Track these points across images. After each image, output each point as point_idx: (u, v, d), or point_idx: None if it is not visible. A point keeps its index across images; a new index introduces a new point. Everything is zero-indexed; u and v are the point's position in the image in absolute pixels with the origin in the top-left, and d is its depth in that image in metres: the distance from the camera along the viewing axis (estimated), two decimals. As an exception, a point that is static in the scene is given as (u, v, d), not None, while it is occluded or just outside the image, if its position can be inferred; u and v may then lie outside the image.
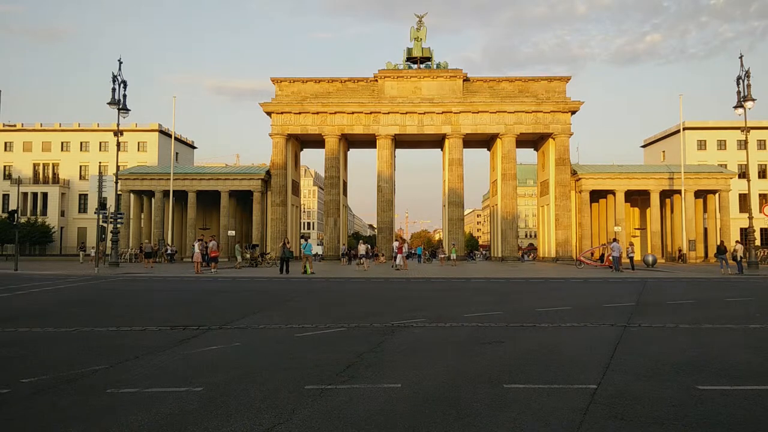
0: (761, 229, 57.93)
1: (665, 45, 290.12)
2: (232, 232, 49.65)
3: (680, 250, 48.71)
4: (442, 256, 43.21)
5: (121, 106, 32.26)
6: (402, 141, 52.33)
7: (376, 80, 48.02)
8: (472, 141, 52.07)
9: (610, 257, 31.68)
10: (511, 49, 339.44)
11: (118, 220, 31.60)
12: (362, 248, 33.29)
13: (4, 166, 67.51)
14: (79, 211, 66.85)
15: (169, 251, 44.27)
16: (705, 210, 52.93)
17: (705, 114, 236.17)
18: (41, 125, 68.20)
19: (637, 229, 55.70)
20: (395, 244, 34.41)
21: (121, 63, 32.37)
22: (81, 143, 67.71)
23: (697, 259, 48.46)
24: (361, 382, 5.89)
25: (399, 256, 31.70)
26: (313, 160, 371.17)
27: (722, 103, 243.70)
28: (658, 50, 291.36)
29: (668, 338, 8.74)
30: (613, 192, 50.05)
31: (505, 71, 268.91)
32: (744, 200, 54.42)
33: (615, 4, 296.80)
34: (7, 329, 9.34)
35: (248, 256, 37.46)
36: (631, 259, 33.20)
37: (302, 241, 34.47)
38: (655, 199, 49.84)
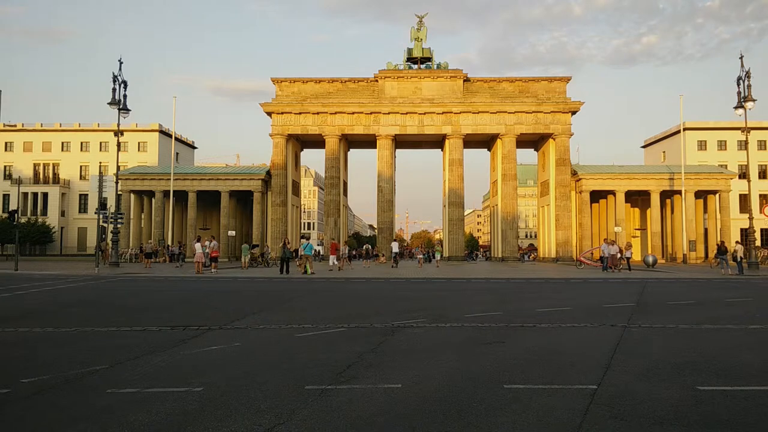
0: (761, 230, 57.93)
1: (662, 46, 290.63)
2: (232, 233, 49.68)
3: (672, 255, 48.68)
4: (420, 256, 40.24)
5: (121, 107, 32.25)
6: (402, 141, 52.34)
7: (377, 80, 48.03)
8: (473, 141, 52.08)
9: (609, 257, 31.61)
10: (509, 51, 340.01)
11: (119, 221, 31.58)
12: (314, 248, 33.45)
13: (5, 166, 67.52)
14: (80, 211, 66.87)
15: (170, 251, 44.26)
16: (705, 210, 52.94)
17: (703, 114, 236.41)
18: (41, 125, 68.22)
19: (638, 229, 55.72)
20: (342, 244, 33.25)
21: (121, 63, 32.36)
22: (81, 143, 67.74)
23: (698, 259, 48.45)
24: (361, 382, 5.89)
25: (332, 257, 31.31)
26: (313, 160, 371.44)
27: (721, 104, 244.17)
28: (654, 51, 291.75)
29: (668, 338, 8.73)
30: (613, 192, 50.05)
31: (503, 72, 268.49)
32: (744, 201, 54.44)
33: (611, 5, 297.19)
34: (7, 329, 9.34)
35: (257, 255, 37.76)
36: (628, 259, 33.15)
37: (302, 241, 34.49)
38: (655, 199, 49.84)
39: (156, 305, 13.85)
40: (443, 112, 47.25)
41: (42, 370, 6.31)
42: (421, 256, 40.61)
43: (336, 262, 31.02)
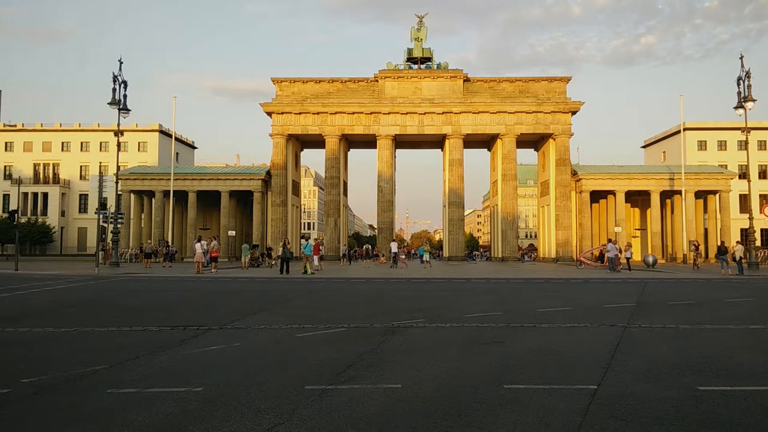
0: (761, 230, 57.91)
1: (661, 47, 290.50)
2: (232, 233, 49.66)
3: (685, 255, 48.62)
4: (403, 256, 37.79)
5: (121, 107, 32.22)
6: (402, 141, 52.33)
7: (377, 80, 48.02)
8: (473, 141, 52.07)
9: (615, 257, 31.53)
10: (508, 51, 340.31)
11: (119, 221, 31.57)
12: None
13: (5, 166, 67.52)
14: (80, 211, 66.87)
15: (170, 251, 44.22)
16: (705, 210, 52.93)
17: (703, 114, 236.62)
18: (42, 125, 68.24)
19: (638, 229, 55.71)
20: (313, 242, 32.46)
21: (121, 63, 32.33)
22: (81, 143, 67.75)
23: (699, 259, 48.37)
24: (361, 382, 5.89)
25: (316, 257, 31.22)
26: (313, 160, 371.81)
27: (721, 104, 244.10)
28: (653, 52, 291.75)
29: (668, 339, 8.73)
30: (613, 192, 50.04)
31: (502, 72, 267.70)
32: (744, 201, 54.42)
33: (609, 6, 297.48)
34: (7, 329, 9.33)
35: (256, 255, 37.73)
36: (628, 259, 33.11)
37: (302, 241, 34.45)
38: (655, 199, 49.82)
39: (156, 305, 13.85)
40: (443, 112, 47.23)
41: (42, 370, 6.31)
42: (403, 256, 38.44)
43: (317, 263, 30.79)
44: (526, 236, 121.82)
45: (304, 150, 55.48)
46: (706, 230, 51.99)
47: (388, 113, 47.30)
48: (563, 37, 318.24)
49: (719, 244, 32.68)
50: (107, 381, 5.91)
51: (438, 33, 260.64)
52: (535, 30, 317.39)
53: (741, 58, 29.82)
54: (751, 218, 29.84)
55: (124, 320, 10.51)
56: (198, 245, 28.27)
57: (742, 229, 51.96)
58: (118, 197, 44.65)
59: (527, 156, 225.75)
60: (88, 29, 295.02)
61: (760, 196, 58.85)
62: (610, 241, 34.36)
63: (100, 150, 66.81)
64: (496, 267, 37.90)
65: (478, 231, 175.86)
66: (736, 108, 30.18)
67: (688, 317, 11.23)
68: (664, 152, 68.53)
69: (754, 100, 29.22)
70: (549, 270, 32.71)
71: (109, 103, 31.70)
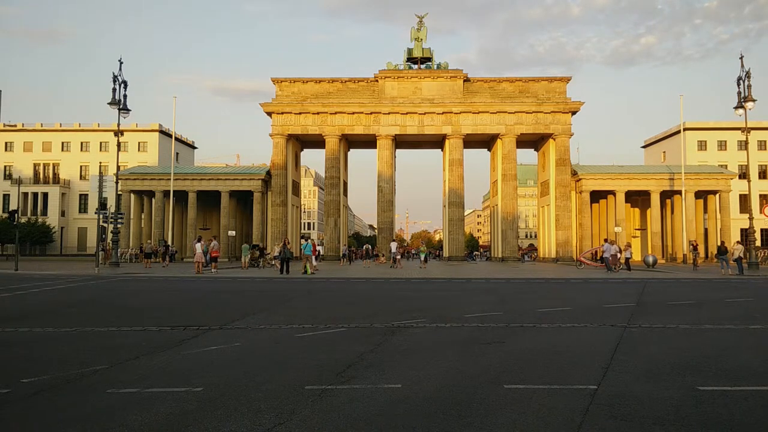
0: (761, 230, 57.92)
1: (660, 47, 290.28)
2: (232, 233, 49.68)
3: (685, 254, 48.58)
4: (399, 256, 37.35)
5: (121, 107, 32.20)
6: (402, 141, 52.34)
7: (377, 80, 48.03)
8: (473, 141, 52.09)
9: (611, 257, 31.51)
10: (508, 51, 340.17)
11: (119, 221, 31.56)
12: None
13: (5, 166, 67.55)
14: (80, 211, 66.91)
15: (171, 252, 44.22)
16: (705, 211, 52.94)
17: (703, 115, 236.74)
18: (42, 125, 68.28)
19: (638, 229, 55.73)
20: (312, 242, 31.93)
21: (121, 63, 32.32)
22: (81, 143, 67.79)
23: (698, 259, 48.35)
24: (361, 382, 5.88)
25: (313, 257, 31.08)
26: (313, 160, 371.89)
27: (721, 104, 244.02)
28: (653, 52, 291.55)
29: (668, 339, 8.73)
30: (613, 192, 50.05)
31: (502, 72, 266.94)
32: (744, 201, 54.44)
33: (609, 6, 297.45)
34: (7, 329, 9.33)
35: (257, 255, 37.72)
36: (628, 260, 33.06)
37: (302, 241, 34.47)
38: (655, 199, 49.83)
39: (156, 305, 13.85)
40: (443, 112, 47.24)
41: (42, 370, 6.30)
42: (399, 257, 37.39)
43: (315, 262, 30.71)
44: (526, 236, 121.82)
45: (304, 150, 55.50)
46: (706, 230, 51.99)
47: (388, 113, 47.31)
48: (563, 37, 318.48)
49: (719, 244, 32.66)
50: (107, 381, 5.91)
51: (438, 33, 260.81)
52: (534, 30, 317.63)
53: (741, 58, 29.81)
54: (751, 218, 29.83)
55: (124, 320, 10.51)
56: (198, 245, 28.26)
57: (742, 229, 51.97)
58: (118, 197, 44.69)
59: (527, 156, 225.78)
60: (88, 29, 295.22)
61: (760, 196, 58.86)
62: (606, 241, 34.35)
63: (100, 150, 66.83)
64: (496, 267, 37.90)
65: (478, 231, 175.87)
66: (736, 108, 30.16)
67: (688, 317, 11.23)
68: (664, 152, 68.55)
69: (754, 100, 29.20)
70: (549, 270, 32.71)
71: (109, 103, 31.69)
